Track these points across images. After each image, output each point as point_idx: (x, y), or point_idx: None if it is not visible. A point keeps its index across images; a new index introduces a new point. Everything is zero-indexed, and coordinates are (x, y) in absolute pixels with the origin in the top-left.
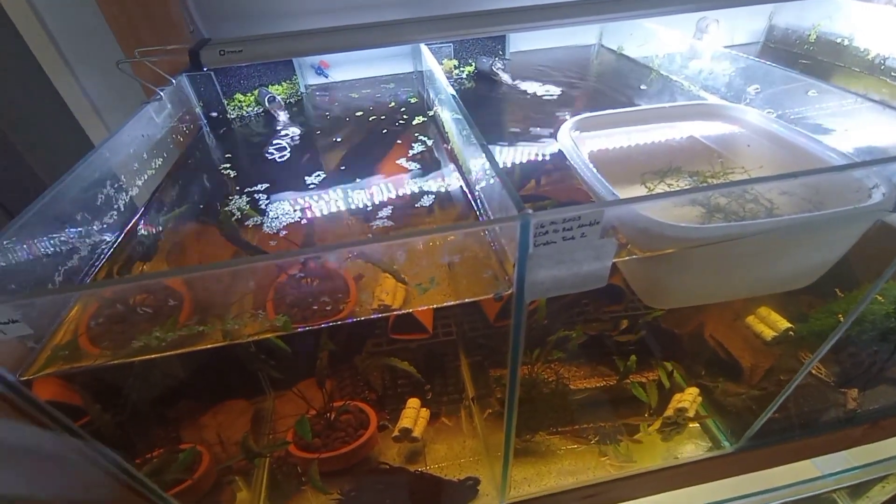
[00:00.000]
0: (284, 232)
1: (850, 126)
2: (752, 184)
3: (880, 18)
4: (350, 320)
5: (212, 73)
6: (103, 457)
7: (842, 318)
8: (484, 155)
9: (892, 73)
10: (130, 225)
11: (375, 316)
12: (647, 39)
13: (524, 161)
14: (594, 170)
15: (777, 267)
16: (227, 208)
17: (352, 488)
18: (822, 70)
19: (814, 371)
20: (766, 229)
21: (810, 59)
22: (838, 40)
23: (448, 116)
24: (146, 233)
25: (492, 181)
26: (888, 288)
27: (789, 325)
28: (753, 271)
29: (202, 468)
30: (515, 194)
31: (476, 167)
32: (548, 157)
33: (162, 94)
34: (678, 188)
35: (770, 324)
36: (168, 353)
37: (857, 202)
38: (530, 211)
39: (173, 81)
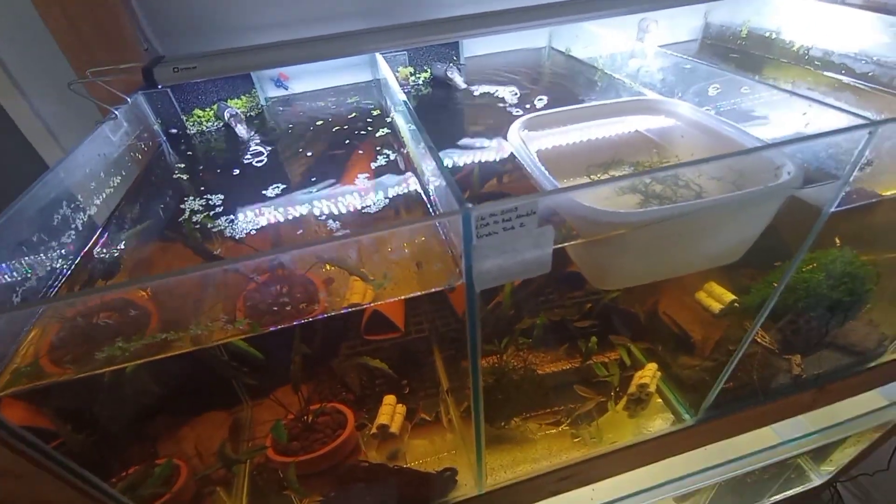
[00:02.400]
0: (250, 242)
1: (774, 114)
2: (665, 171)
3: (803, 12)
4: (321, 316)
5: (168, 90)
6: (74, 475)
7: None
8: (431, 156)
9: (816, 63)
10: (90, 244)
11: (345, 310)
12: (592, 41)
13: (484, 161)
14: (539, 164)
15: (706, 245)
16: (191, 222)
17: (333, 488)
18: (754, 63)
19: (759, 340)
20: (688, 211)
21: (743, 53)
22: (767, 34)
23: (402, 122)
24: (107, 251)
25: (440, 183)
26: (817, 257)
27: (734, 297)
28: (686, 250)
29: (181, 481)
30: (458, 191)
31: (429, 170)
32: (507, 157)
33: (117, 113)
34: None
35: (716, 297)
36: (136, 363)
37: (769, 182)
38: (470, 205)
39: (128, 100)
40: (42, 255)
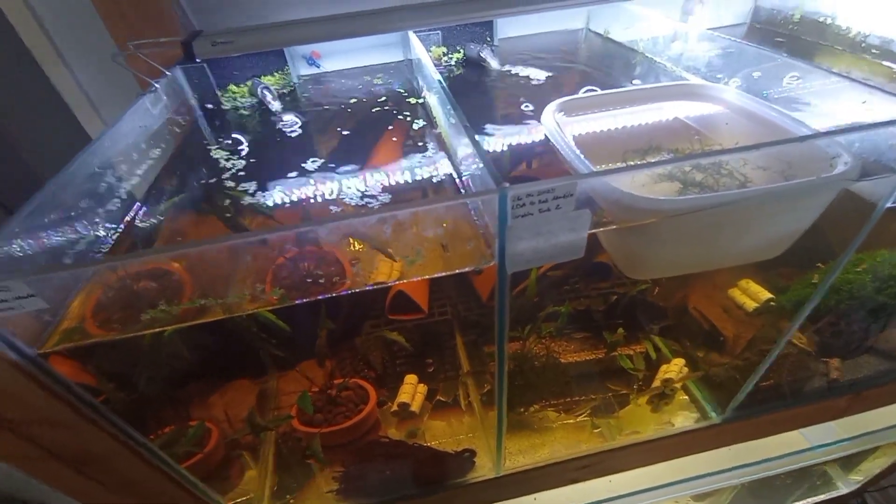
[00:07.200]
0: (279, 217)
1: (830, 103)
2: (707, 157)
3: None
4: (345, 292)
5: (205, 65)
6: (118, 429)
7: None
8: (466, 136)
9: (872, 51)
10: (132, 213)
11: (370, 287)
12: (632, 22)
13: (514, 145)
14: (573, 147)
15: (748, 237)
16: (225, 196)
17: (354, 461)
18: (805, 50)
19: (795, 341)
20: (728, 201)
21: (795, 38)
22: (821, 19)
23: (435, 102)
24: (147, 221)
25: (475, 164)
26: (864, 258)
27: (770, 295)
28: (725, 242)
29: (212, 443)
30: (494, 170)
31: (462, 151)
32: (537, 141)
33: (157, 85)
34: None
35: (752, 295)
36: (172, 327)
37: (822, 173)
38: (507, 185)
39: (168, 73)
40: (89, 221)
